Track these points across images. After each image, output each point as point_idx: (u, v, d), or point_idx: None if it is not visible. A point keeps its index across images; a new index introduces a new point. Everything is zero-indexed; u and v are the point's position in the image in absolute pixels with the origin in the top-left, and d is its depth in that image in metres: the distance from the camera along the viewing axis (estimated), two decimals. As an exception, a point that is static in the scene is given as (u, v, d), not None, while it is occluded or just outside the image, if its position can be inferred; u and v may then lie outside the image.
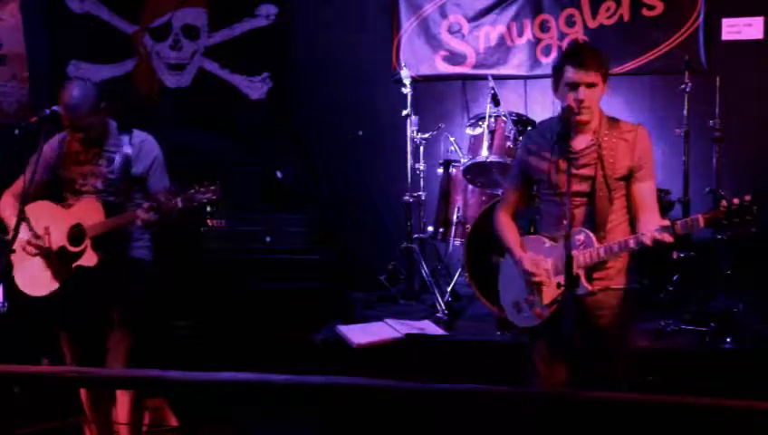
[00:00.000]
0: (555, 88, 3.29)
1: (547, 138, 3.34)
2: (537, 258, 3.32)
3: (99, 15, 6.63)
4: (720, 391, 3.84)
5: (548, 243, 3.35)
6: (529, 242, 3.43)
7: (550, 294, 3.29)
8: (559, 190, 3.28)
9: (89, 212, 3.74)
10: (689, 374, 4.08)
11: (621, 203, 3.31)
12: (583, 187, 3.25)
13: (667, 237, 3.05)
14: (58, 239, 3.76)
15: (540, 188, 3.41)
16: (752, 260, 5.20)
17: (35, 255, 3.76)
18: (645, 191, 3.28)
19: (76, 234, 3.74)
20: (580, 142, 3.27)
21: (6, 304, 3.60)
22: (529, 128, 5.07)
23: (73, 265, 3.74)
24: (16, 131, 3.80)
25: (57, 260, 3.77)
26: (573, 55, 3.23)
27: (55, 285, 3.76)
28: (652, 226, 3.13)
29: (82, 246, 3.72)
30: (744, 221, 2.95)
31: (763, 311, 4.65)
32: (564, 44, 5.95)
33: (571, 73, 3.18)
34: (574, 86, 3.18)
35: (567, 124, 3.25)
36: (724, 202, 2.98)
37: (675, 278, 4.96)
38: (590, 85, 3.18)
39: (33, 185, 3.71)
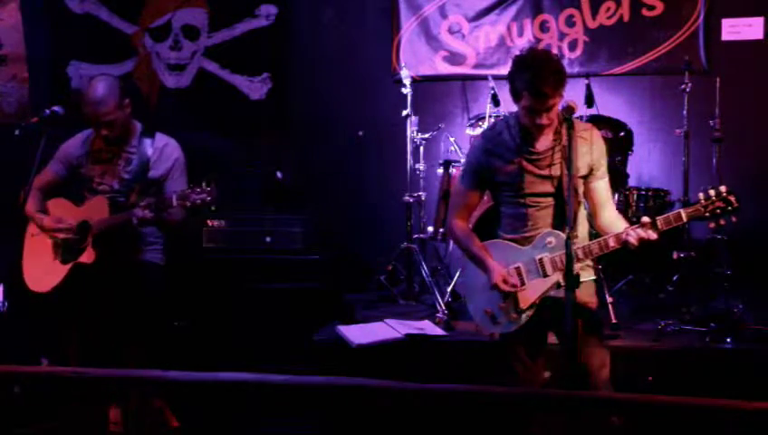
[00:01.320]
0: (513, 99, 3.22)
1: (505, 139, 3.31)
2: (505, 270, 3.28)
3: (98, 16, 6.62)
4: (720, 391, 3.85)
5: (513, 246, 3.32)
6: (492, 247, 3.37)
7: (526, 298, 3.27)
8: (523, 192, 3.27)
9: (96, 210, 3.78)
10: (689, 374, 4.08)
11: (583, 204, 3.36)
12: (547, 187, 3.25)
13: (652, 234, 3.08)
14: (66, 234, 3.79)
15: (501, 191, 3.36)
16: (752, 260, 5.21)
17: (62, 237, 3.79)
18: (603, 188, 3.33)
19: (83, 231, 3.76)
20: (541, 143, 3.25)
21: (6, 304, 3.61)
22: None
23: (73, 263, 3.75)
24: (16, 131, 3.79)
25: (61, 256, 3.79)
26: (531, 84, 3.10)
27: (55, 282, 3.77)
28: (614, 222, 3.21)
29: (85, 243, 3.73)
30: (725, 211, 3.03)
31: (763, 311, 4.65)
32: (564, 45, 5.96)
33: (529, 102, 3.13)
34: (533, 111, 3.15)
35: (524, 128, 3.24)
36: (701, 194, 3.03)
37: (675, 278, 4.96)
38: (550, 108, 3.13)
39: (49, 180, 3.81)
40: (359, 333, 4.42)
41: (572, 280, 2.97)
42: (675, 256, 4.84)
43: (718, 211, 3.04)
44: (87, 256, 3.74)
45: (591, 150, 3.28)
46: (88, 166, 3.87)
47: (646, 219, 3.09)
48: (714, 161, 4.94)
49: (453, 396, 1.89)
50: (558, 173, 3.23)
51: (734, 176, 5.22)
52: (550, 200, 3.26)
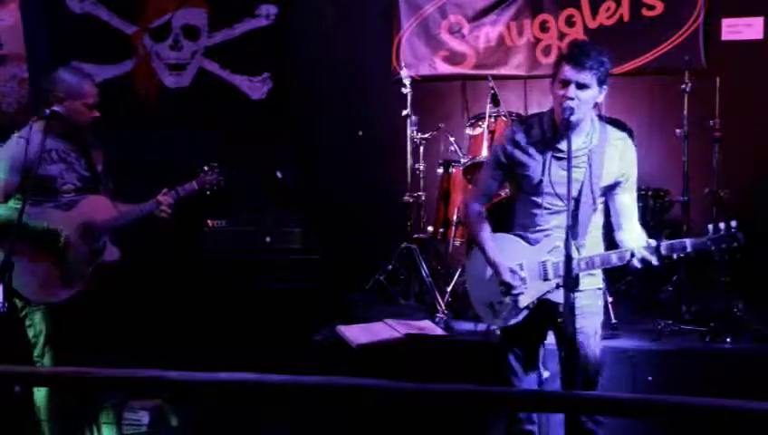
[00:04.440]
0: (552, 84, 3.24)
1: (535, 133, 3.29)
2: (512, 266, 3.27)
3: (98, 16, 6.63)
4: (720, 391, 3.85)
5: (521, 242, 3.31)
6: (499, 240, 3.35)
7: (524, 297, 3.27)
8: (542, 189, 3.23)
9: (97, 208, 3.73)
10: (689, 374, 4.08)
11: (600, 212, 3.29)
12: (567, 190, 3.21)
13: (654, 260, 3.05)
14: (69, 240, 3.71)
15: (521, 184, 3.33)
16: (752, 260, 5.20)
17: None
18: (629, 201, 3.28)
19: (89, 233, 3.72)
20: (571, 143, 3.19)
21: (6, 304, 3.58)
22: (513, 119, 5.05)
23: (95, 263, 3.71)
24: (16, 131, 3.78)
25: (73, 262, 3.72)
26: (571, 52, 3.18)
27: (77, 288, 3.72)
28: (634, 239, 3.16)
29: (100, 243, 3.70)
30: (730, 248, 3.02)
31: (763, 311, 4.65)
32: (564, 45, 5.96)
33: (565, 70, 3.14)
34: (566, 83, 3.14)
35: (556, 123, 3.22)
36: (711, 226, 3.01)
37: (675, 278, 4.96)
38: (582, 86, 3.11)
39: (8, 192, 3.66)
40: (359, 333, 4.43)
41: (571, 282, 2.97)
42: (675, 256, 4.83)
43: (723, 246, 3.04)
44: (111, 254, 3.73)
45: (622, 160, 3.23)
46: (45, 166, 3.72)
47: (652, 242, 3.07)
48: (714, 161, 4.94)
49: (453, 396, 1.89)
50: (580, 177, 3.19)
51: (734, 176, 5.24)
52: (566, 204, 3.20)
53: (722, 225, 3.01)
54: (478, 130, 5.18)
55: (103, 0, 6.61)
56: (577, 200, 3.19)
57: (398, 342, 4.36)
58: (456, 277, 5.15)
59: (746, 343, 4.24)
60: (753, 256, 5.19)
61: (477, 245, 3.39)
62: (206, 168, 4.06)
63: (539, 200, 3.25)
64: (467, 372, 4.21)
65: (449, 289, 5.07)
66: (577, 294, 3.21)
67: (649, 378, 4.05)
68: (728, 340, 4.23)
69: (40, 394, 3.83)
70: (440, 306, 4.85)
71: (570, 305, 2.96)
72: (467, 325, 4.62)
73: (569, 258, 2.98)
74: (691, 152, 5.07)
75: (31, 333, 3.81)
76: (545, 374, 3.56)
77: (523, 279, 3.26)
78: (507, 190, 3.75)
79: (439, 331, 4.51)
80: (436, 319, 4.72)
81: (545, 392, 3.07)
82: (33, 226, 3.63)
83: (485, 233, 3.36)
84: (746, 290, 4.84)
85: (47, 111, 3.63)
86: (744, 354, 4.16)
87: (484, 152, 4.99)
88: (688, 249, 3.05)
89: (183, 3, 6.58)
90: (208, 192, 4.03)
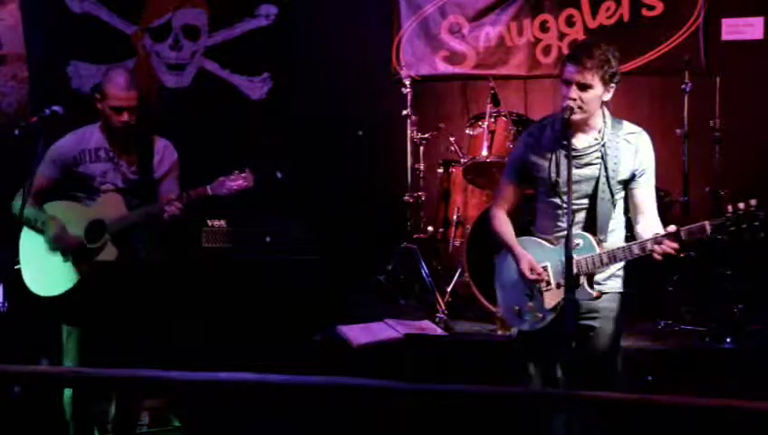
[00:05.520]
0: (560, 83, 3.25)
1: (548, 134, 3.29)
2: (533, 260, 3.25)
3: (98, 16, 6.63)
4: (720, 391, 3.85)
5: (544, 244, 3.30)
6: (524, 243, 3.34)
7: (551, 298, 3.24)
8: (557, 189, 3.22)
9: (110, 207, 3.72)
10: (689, 374, 4.09)
11: (620, 207, 3.27)
12: (584, 188, 3.19)
13: (675, 245, 2.98)
14: (75, 236, 3.73)
15: (538, 186, 3.33)
16: (752, 260, 5.21)
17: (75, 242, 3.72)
18: (646, 196, 3.23)
19: (96, 230, 3.72)
20: (582, 141, 3.21)
21: (6, 304, 3.58)
22: (514, 119, 5.07)
23: (92, 261, 3.72)
24: (16, 131, 3.77)
25: (73, 256, 3.73)
26: (574, 52, 3.19)
27: (72, 282, 3.73)
28: (652, 231, 3.10)
29: (101, 241, 3.70)
30: (752, 227, 2.90)
31: (763, 311, 4.65)
32: (564, 45, 5.96)
33: (567, 70, 3.14)
34: (568, 83, 3.14)
35: (565, 122, 3.21)
36: (730, 207, 2.94)
37: (675, 278, 4.96)
38: (583, 86, 3.11)
39: (42, 185, 3.71)
40: (359, 333, 4.43)
41: (572, 281, 2.97)
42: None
43: (744, 226, 2.90)
44: (108, 254, 3.71)
45: (636, 155, 3.21)
46: (87, 164, 3.78)
47: (672, 228, 3.01)
48: (714, 161, 4.94)
49: (453, 396, 1.89)
50: (595, 174, 3.18)
51: (734, 176, 5.24)
52: (584, 202, 3.20)
53: (741, 204, 2.90)
54: (478, 130, 5.18)
55: (103, 0, 6.61)
56: (594, 197, 3.19)
57: (398, 342, 4.36)
58: (455, 277, 5.15)
59: (746, 343, 4.24)
60: (753, 255, 5.24)
61: (503, 244, 3.37)
62: (231, 173, 3.75)
63: (557, 201, 3.24)
64: (467, 372, 4.21)
65: (449, 289, 5.07)
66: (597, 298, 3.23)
67: (649, 378, 4.05)
68: (728, 340, 4.22)
69: (68, 394, 3.82)
70: (440, 306, 4.85)
71: (571, 305, 2.95)
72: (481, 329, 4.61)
73: (569, 259, 2.98)
74: (691, 152, 5.08)
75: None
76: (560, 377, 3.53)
77: (547, 280, 3.23)
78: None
79: (439, 331, 4.52)
80: (437, 319, 4.72)
81: (545, 392, 3.06)
82: (29, 223, 3.65)
83: (509, 232, 3.35)
84: (746, 290, 4.85)
85: (47, 110, 3.64)
86: (744, 354, 4.16)
87: (484, 152, 4.99)
88: (708, 231, 2.94)
89: (183, 3, 6.58)
90: (236, 195, 3.75)
